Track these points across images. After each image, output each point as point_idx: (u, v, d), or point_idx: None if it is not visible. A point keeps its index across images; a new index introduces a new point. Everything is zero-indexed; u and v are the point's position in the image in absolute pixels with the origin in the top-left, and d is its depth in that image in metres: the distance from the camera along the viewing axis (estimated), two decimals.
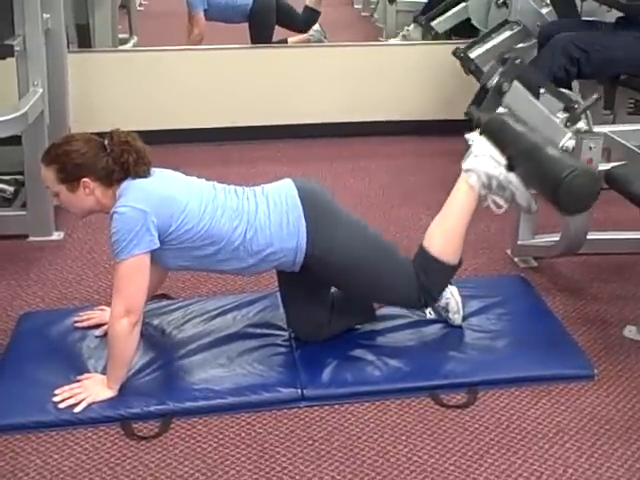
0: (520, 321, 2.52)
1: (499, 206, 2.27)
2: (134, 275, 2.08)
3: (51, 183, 2.18)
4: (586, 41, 3.34)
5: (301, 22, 4.98)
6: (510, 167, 2.23)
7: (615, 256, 2.97)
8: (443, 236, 2.30)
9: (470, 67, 3.62)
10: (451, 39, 4.64)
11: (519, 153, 2.22)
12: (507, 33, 3.80)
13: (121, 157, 2.13)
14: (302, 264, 2.23)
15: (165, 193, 2.15)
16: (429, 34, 4.55)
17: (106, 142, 2.16)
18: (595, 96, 2.77)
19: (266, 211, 2.20)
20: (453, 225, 2.30)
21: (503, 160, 2.23)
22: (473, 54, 3.68)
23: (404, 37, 4.71)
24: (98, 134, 2.21)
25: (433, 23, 4.54)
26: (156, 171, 2.21)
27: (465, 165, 2.29)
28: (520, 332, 2.46)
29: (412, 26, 4.68)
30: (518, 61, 2.72)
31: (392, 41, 4.89)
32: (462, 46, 3.72)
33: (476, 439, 2.06)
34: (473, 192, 2.27)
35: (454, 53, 3.70)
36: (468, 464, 1.97)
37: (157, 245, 2.10)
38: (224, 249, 2.18)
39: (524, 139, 2.25)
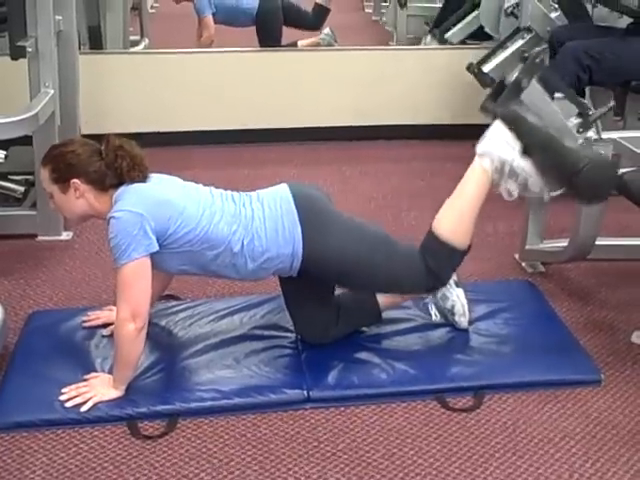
0: (527, 326, 2.52)
1: (511, 194, 2.23)
2: (136, 279, 2.08)
3: (46, 183, 2.19)
4: (597, 49, 3.34)
5: (311, 20, 4.95)
6: (525, 154, 2.20)
7: (623, 262, 2.96)
8: (453, 220, 2.26)
9: (486, 81, 3.56)
10: (465, 43, 4.63)
11: (535, 142, 2.20)
12: (519, 42, 3.77)
13: (115, 162, 2.14)
14: (299, 269, 2.22)
15: (161, 196, 2.15)
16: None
17: (102, 147, 2.18)
18: (610, 104, 2.75)
19: (261, 217, 2.19)
20: (464, 209, 2.26)
21: (517, 145, 2.21)
22: (487, 68, 3.64)
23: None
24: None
25: (447, 35, 4.56)
26: (153, 176, 2.21)
27: (479, 148, 2.26)
28: (527, 337, 2.46)
29: (428, 38, 4.69)
30: (539, 59, 2.70)
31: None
32: (475, 61, 3.67)
33: (482, 443, 2.05)
34: (486, 176, 2.23)
35: (468, 69, 3.65)
36: (473, 468, 1.97)
37: (156, 248, 2.09)
38: (223, 254, 2.17)
39: (540, 130, 2.23)
